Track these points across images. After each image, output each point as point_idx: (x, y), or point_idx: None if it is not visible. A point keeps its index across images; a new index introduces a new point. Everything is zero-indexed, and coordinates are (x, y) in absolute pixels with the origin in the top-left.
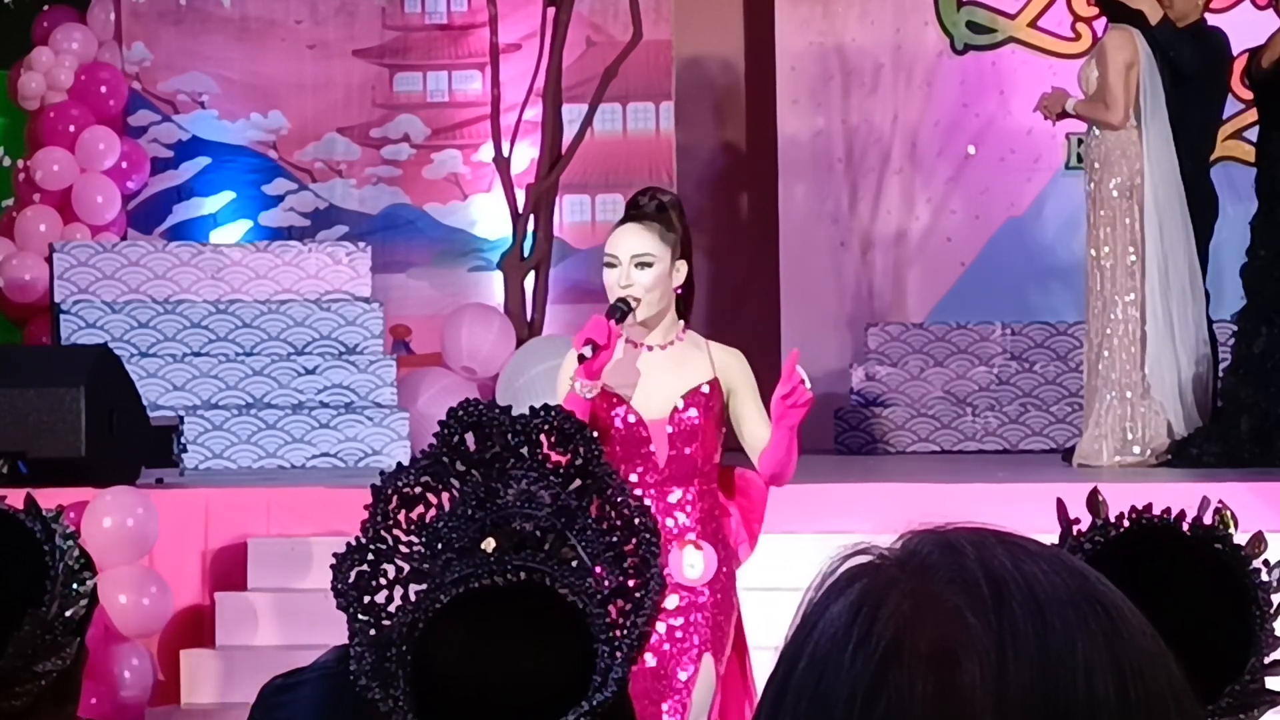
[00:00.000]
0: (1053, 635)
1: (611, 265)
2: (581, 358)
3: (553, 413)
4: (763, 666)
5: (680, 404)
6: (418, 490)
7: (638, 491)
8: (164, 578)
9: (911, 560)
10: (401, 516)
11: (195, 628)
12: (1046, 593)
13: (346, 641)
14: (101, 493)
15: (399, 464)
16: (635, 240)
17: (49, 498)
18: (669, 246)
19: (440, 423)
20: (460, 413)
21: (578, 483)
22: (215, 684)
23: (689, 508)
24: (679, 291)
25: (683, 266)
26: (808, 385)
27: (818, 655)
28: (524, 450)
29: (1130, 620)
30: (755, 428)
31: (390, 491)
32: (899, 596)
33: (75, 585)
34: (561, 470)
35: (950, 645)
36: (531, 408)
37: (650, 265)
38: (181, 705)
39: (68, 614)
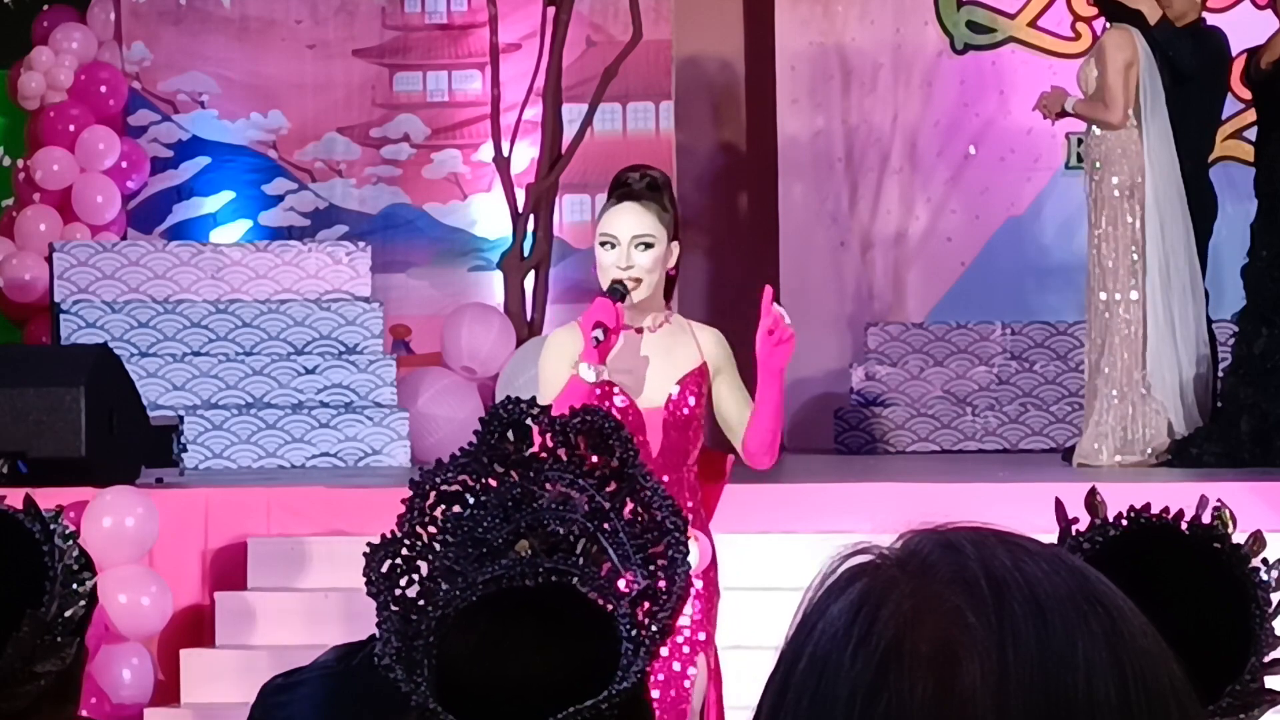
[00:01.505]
0: (1053, 635)
1: (609, 245)
2: (596, 340)
3: (590, 414)
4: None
5: (675, 391)
6: (455, 488)
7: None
8: (164, 577)
9: (912, 560)
10: (438, 513)
11: (195, 628)
12: (1047, 592)
13: (348, 641)
14: (101, 492)
15: (439, 461)
16: (636, 220)
17: (49, 497)
18: (666, 227)
19: (481, 420)
20: (501, 412)
21: (613, 485)
22: (215, 684)
23: (682, 495)
24: (672, 274)
25: (675, 248)
26: (787, 321)
27: (818, 655)
28: (561, 452)
29: (1131, 620)
30: (736, 408)
31: (428, 488)
32: (899, 596)
33: (74, 585)
34: (597, 472)
35: (951, 645)
36: (571, 408)
37: (651, 246)
38: (181, 705)
39: (67, 614)
